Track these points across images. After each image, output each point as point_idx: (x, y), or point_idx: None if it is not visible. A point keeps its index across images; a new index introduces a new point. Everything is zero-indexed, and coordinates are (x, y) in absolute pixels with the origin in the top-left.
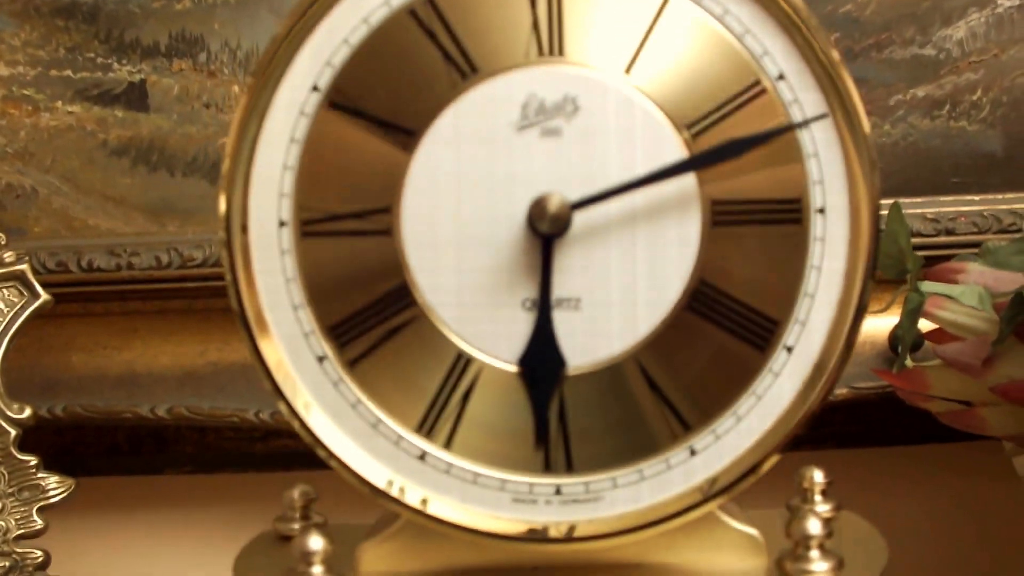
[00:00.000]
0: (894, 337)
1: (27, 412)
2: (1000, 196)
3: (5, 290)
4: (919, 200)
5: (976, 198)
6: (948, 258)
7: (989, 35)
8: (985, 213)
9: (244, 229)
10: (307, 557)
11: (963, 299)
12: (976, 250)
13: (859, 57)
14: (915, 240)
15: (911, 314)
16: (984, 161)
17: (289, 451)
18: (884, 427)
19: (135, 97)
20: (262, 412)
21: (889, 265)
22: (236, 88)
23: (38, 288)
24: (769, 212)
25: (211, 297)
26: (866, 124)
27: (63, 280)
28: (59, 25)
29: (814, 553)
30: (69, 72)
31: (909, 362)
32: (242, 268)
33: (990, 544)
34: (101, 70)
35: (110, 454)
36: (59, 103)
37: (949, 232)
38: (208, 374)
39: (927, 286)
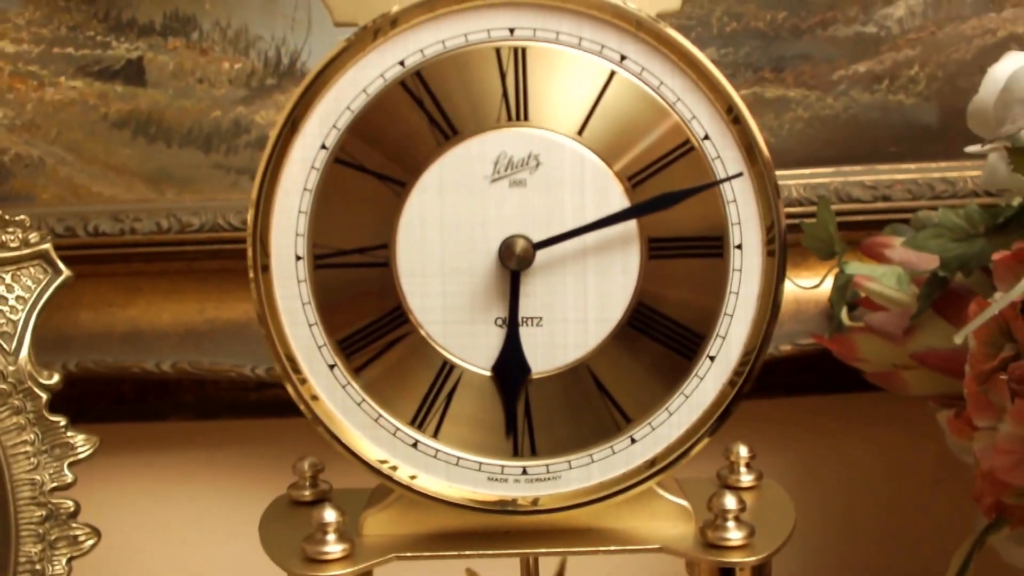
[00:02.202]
0: (830, 304)
1: (56, 378)
2: (934, 165)
3: (32, 268)
4: (858, 168)
5: (912, 167)
6: (884, 223)
7: (927, 13)
8: (920, 181)
9: (267, 264)
10: (323, 527)
11: (883, 280)
12: (911, 215)
13: (805, 34)
14: (853, 206)
15: (839, 290)
16: (920, 132)
17: (280, 400)
18: (829, 377)
19: (133, 73)
20: (257, 367)
21: (819, 248)
22: (226, 65)
23: (60, 265)
24: (696, 247)
25: (208, 259)
26: (775, 176)
27: (71, 244)
28: (60, 5)
29: (730, 524)
30: (71, 49)
31: (846, 319)
32: (266, 300)
33: (913, 480)
34: (101, 47)
35: (116, 403)
36: (62, 79)
37: (886, 199)
38: (206, 331)
39: (852, 267)
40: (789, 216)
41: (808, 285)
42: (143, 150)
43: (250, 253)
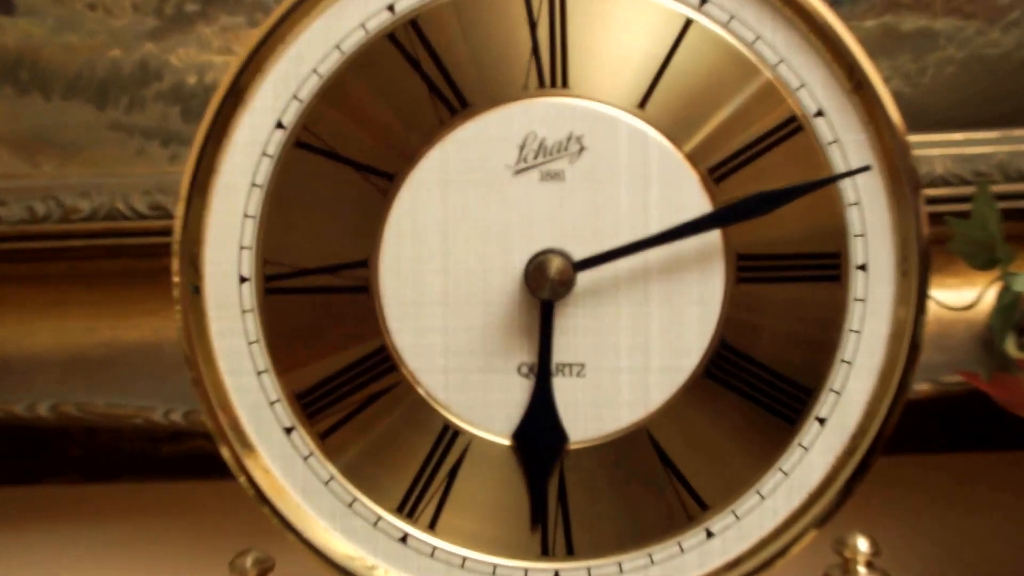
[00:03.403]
0: (990, 329)
1: None
2: None
3: None
4: None
5: None
6: None
7: None
8: None
9: (199, 285)
10: None
11: None
12: None
13: None
14: None
15: (1004, 312)
16: None
17: (205, 455)
18: (974, 429)
19: None
20: (173, 411)
21: (975, 254)
22: None
23: None
24: (803, 268)
25: (103, 258)
26: (914, 168)
27: None
28: None
29: None
30: None
31: (1014, 351)
32: (196, 336)
33: None
34: None
35: None
36: None
37: None
38: (100, 357)
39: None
40: (930, 201)
41: (957, 304)
42: (10, 103)
43: (175, 268)
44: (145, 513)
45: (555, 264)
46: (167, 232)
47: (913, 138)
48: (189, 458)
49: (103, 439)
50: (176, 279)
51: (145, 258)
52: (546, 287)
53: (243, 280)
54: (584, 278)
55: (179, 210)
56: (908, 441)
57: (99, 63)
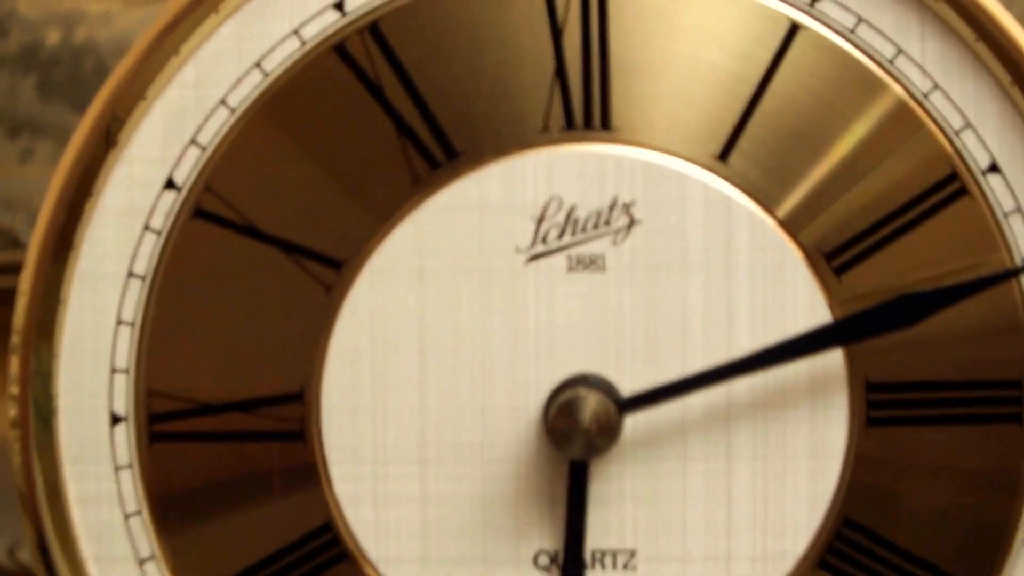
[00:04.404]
0: None
1: None
2: None
3: None
4: None
5: None
6: None
7: None
8: None
9: (48, 425)
10: None
11: None
12: None
13: None
14: None
15: None
16: None
17: None
18: None
19: None
20: (19, 547)
21: None
22: None
23: None
24: (965, 403)
25: None
26: None
27: None
28: None
29: None
30: None
31: None
32: (44, 493)
33: None
34: None
35: None
36: None
37: None
38: None
39: None
40: None
41: None
42: None
43: (15, 372)
44: None
45: (591, 403)
46: (15, 269)
47: None
48: None
49: None
50: (15, 390)
51: None
52: (577, 439)
53: (116, 420)
54: (635, 421)
55: (18, 312)
56: None
57: None
